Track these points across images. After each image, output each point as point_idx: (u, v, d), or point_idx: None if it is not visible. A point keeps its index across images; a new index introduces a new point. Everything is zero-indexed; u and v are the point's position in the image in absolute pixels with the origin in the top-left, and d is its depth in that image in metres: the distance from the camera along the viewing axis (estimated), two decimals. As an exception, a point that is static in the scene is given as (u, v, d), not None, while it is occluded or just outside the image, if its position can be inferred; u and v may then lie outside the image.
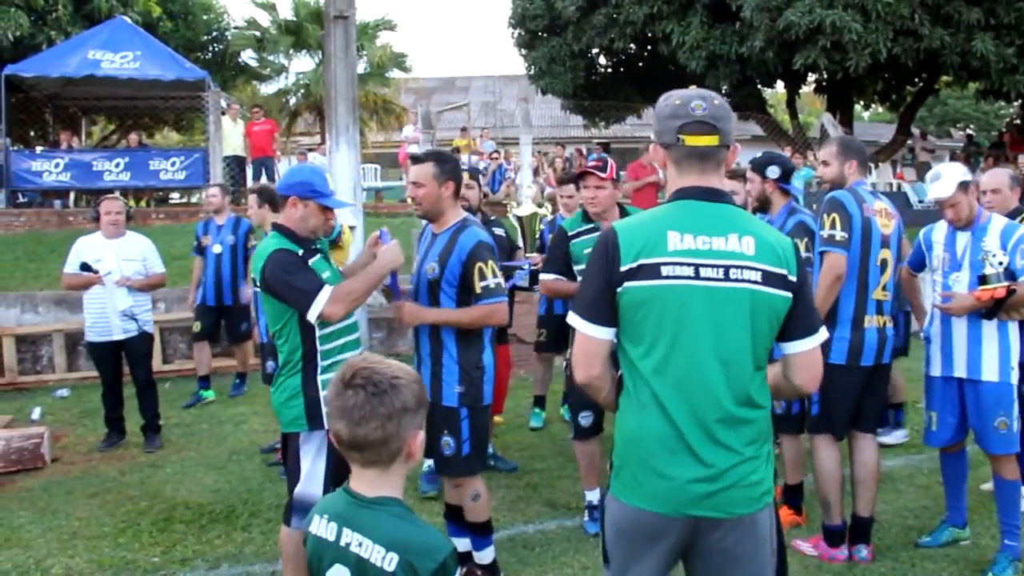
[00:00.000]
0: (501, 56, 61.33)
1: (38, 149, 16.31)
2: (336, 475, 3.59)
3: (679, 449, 2.23)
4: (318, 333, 3.59)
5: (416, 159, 4.06)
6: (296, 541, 3.64)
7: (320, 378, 3.58)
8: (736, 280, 2.23)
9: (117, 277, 6.50)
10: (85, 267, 6.51)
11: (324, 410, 3.51)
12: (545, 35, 19.95)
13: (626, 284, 2.24)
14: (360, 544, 1.81)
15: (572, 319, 2.36)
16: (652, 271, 2.23)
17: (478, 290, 3.81)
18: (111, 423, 6.84)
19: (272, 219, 6.29)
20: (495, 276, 3.83)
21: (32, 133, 19.99)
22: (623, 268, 2.24)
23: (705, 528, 2.26)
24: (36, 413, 7.59)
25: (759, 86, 19.57)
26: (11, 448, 6.18)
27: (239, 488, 5.65)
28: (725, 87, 17.81)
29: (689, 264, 2.22)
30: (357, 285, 3.62)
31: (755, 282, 2.24)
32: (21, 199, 15.51)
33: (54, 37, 17.16)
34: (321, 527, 1.89)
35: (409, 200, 4.21)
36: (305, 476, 3.59)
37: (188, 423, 7.31)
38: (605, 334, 2.30)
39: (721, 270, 2.23)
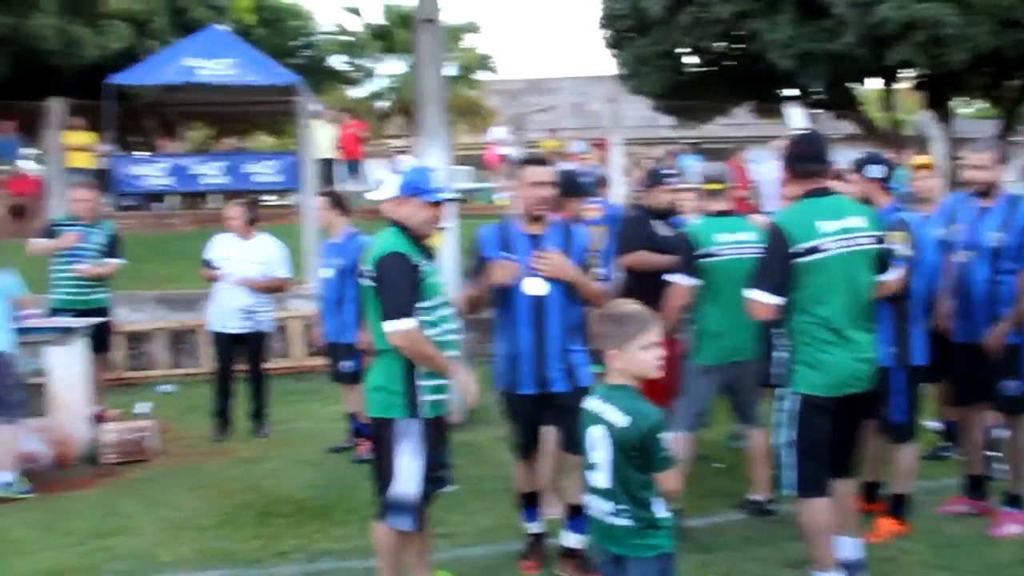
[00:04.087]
0: (590, 56, 61.11)
1: (140, 154, 16.91)
2: (430, 471, 3.65)
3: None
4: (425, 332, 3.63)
5: (538, 161, 4.31)
6: (391, 538, 3.70)
7: (418, 369, 3.63)
8: (860, 244, 3.74)
9: (239, 276, 6.80)
10: (209, 263, 6.96)
11: (421, 399, 3.63)
12: (633, 35, 19.82)
13: (800, 260, 3.66)
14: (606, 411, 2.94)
15: (755, 294, 3.73)
16: (816, 249, 3.67)
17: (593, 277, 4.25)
18: (218, 415, 7.12)
19: (340, 223, 6.52)
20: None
21: (134, 139, 20.76)
22: (795, 249, 3.66)
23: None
24: (143, 407, 7.90)
25: (852, 84, 19.11)
26: (122, 440, 6.49)
27: (336, 484, 5.79)
28: (817, 85, 17.44)
29: (836, 239, 3.68)
30: (430, 353, 3.63)
31: (869, 243, 3.78)
32: (126, 202, 16.10)
33: (154, 46, 17.76)
34: (589, 403, 3.03)
35: (521, 200, 4.22)
36: (400, 473, 3.61)
37: (286, 420, 7.51)
38: (780, 301, 3.70)
39: (851, 239, 3.72)
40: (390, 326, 3.56)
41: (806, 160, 3.89)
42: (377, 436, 3.75)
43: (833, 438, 3.77)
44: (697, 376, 4.83)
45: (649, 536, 2.92)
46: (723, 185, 4.94)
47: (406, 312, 3.56)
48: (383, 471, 3.69)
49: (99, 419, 6.94)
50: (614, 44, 20.57)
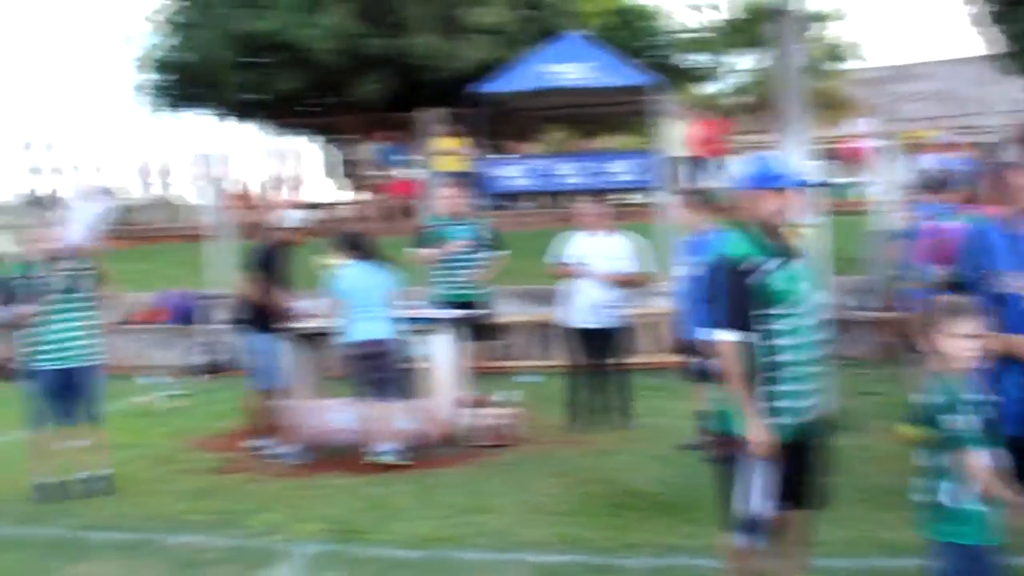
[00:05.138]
0: (959, 39, 55.47)
1: (504, 157, 18.03)
2: (778, 490, 3.45)
3: None
4: (773, 342, 3.43)
5: None
6: (736, 551, 3.56)
7: (769, 388, 3.44)
8: None
9: (598, 272, 7.07)
10: (568, 259, 7.26)
11: (771, 420, 3.41)
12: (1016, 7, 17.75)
13: None
14: None
15: None
16: None
17: None
18: (575, 407, 7.41)
19: (699, 220, 6.47)
20: None
21: (498, 143, 22.16)
22: None
23: None
24: (508, 396, 8.45)
25: None
26: (489, 425, 7.00)
27: (686, 481, 5.78)
28: None
29: None
30: (733, 373, 3.42)
31: None
32: (491, 202, 17.24)
33: (514, 56, 18.82)
34: None
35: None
36: (750, 491, 3.47)
37: (641, 415, 7.62)
38: None
39: None
40: (710, 334, 3.47)
41: None
42: (727, 447, 3.62)
43: None
44: None
45: None
46: None
47: (727, 323, 3.42)
48: (728, 484, 3.57)
49: (471, 404, 7.55)
50: (997, 19, 18.54)
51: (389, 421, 6.62)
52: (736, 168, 4.00)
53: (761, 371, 3.44)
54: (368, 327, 6.56)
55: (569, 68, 16.29)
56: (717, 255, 3.54)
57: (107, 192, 18.08)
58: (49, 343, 6.12)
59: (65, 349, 6.13)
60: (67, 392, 6.17)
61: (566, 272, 7.31)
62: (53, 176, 18.62)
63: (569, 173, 16.40)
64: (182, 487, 6.30)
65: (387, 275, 6.69)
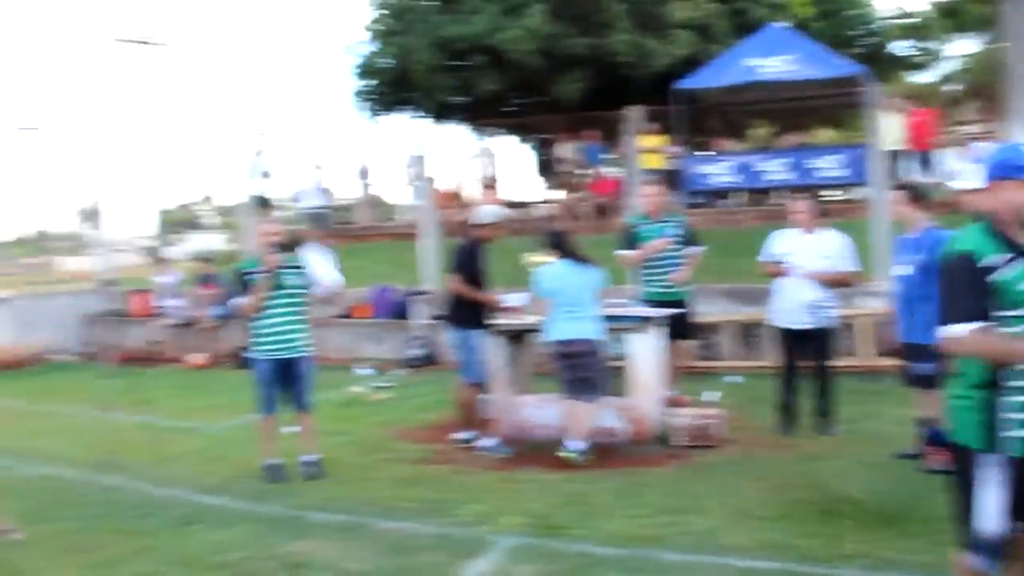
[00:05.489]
0: None
1: (707, 154, 17.74)
2: (1016, 509, 3.16)
3: None
4: None
5: None
6: (969, 572, 3.28)
7: (1004, 399, 3.15)
8: None
9: (804, 270, 6.85)
10: (778, 258, 7.08)
11: (1006, 433, 3.14)
12: None
13: None
14: None
15: None
16: None
17: None
18: (782, 410, 7.19)
19: (916, 217, 6.07)
20: None
21: (700, 139, 21.81)
22: None
23: None
24: (711, 396, 8.31)
25: None
26: (692, 425, 6.89)
27: (902, 492, 5.48)
28: None
29: None
30: (998, 349, 3.11)
31: None
32: (694, 200, 17.03)
33: (715, 50, 18.46)
34: None
35: None
36: (978, 508, 3.21)
37: (852, 419, 7.30)
38: None
39: None
40: (943, 331, 3.20)
41: None
42: (956, 460, 3.36)
43: None
44: None
45: None
46: None
47: (961, 318, 3.14)
48: (961, 500, 3.31)
49: (672, 403, 7.46)
50: None
51: (587, 420, 6.64)
52: (973, 162, 3.70)
53: (994, 378, 3.17)
54: (571, 326, 6.61)
55: (773, 61, 15.90)
56: (952, 251, 3.27)
57: (326, 192, 19.32)
58: (266, 334, 6.55)
59: (280, 340, 6.54)
60: (283, 381, 6.60)
61: (776, 271, 7.10)
62: (275, 178, 19.94)
63: (775, 169, 15.96)
64: (390, 475, 6.58)
65: (591, 274, 6.71)
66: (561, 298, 6.65)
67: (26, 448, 7.96)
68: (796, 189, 15.14)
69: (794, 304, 6.96)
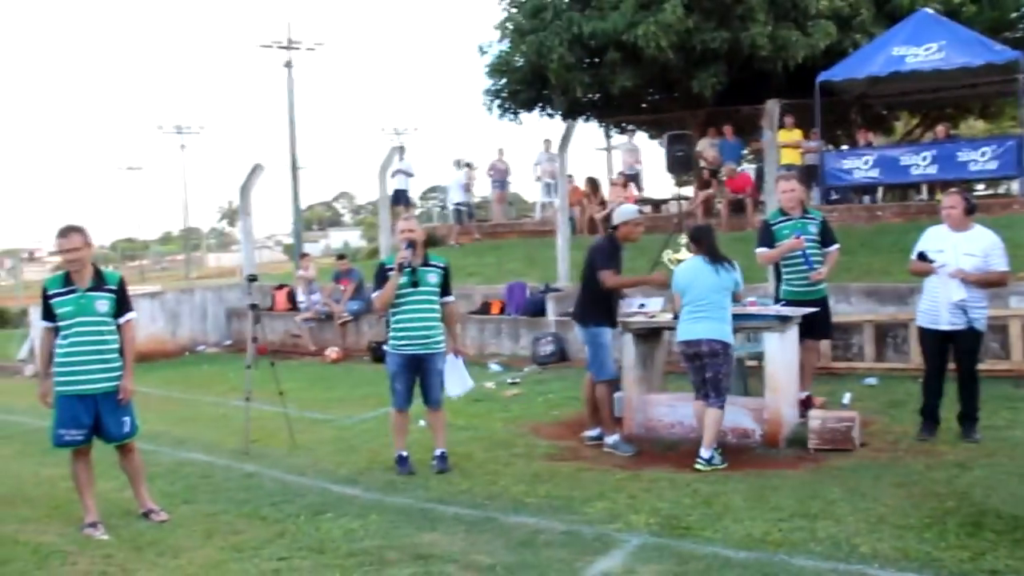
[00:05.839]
0: None
1: (847, 148, 17.11)
2: None
3: None
4: None
5: None
6: None
7: None
8: None
9: (952, 269, 6.57)
10: (922, 256, 6.81)
11: None
12: None
13: None
14: None
15: None
16: None
17: None
18: (926, 413, 6.91)
19: None
20: None
21: (840, 133, 21.07)
22: None
23: None
24: (847, 398, 8.05)
25: None
26: (825, 428, 6.69)
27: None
28: None
29: None
30: None
31: None
32: (833, 196, 16.50)
33: (859, 40, 17.76)
34: None
35: None
36: None
37: (1001, 427, 6.96)
38: None
39: None
40: None
41: None
42: None
43: None
44: None
45: None
46: None
47: None
48: None
49: (806, 405, 7.27)
50: None
51: (714, 426, 6.54)
52: None
53: None
54: (697, 326, 6.54)
55: (921, 50, 15.20)
56: None
57: (468, 189, 19.71)
58: (401, 330, 6.70)
59: (414, 336, 6.67)
60: (415, 375, 6.74)
61: (923, 270, 6.80)
62: (415, 176, 20.37)
63: (920, 163, 15.26)
64: (519, 470, 6.64)
65: (726, 272, 6.60)
66: (689, 296, 6.58)
67: (174, 434, 8.43)
68: (942, 184, 14.48)
69: (942, 304, 6.66)
